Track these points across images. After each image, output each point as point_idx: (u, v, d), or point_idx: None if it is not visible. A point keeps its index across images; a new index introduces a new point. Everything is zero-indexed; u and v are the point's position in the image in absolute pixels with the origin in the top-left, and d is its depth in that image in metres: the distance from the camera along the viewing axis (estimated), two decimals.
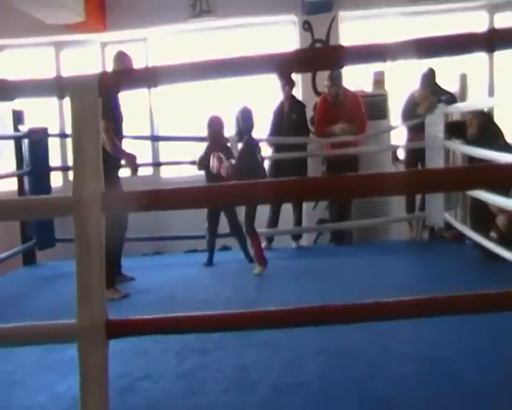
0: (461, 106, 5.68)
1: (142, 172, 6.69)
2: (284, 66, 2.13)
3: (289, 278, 4.85)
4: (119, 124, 4.47)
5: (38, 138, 5.80)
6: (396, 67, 6.51)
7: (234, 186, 2.61)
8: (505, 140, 5.08)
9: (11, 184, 6.08)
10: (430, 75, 5.96)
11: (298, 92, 6.64)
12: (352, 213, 6.27)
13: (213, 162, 5.08)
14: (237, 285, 4.68)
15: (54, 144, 6.33)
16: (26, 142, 5.78)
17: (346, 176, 2.15)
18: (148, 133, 7.17)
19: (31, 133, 5.75)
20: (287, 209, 6.06)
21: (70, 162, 2.07)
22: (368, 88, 6.61)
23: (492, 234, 4.65)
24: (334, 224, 6.25)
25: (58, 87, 2.15)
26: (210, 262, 5.43)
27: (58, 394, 2.77)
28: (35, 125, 5.93)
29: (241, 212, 5.29)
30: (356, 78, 6.54)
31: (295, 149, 6.04)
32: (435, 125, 5.63)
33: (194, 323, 2.15)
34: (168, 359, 3.13)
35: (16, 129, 5.84)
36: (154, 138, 7.18)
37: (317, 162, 6.43)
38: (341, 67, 5.33)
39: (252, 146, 5.04)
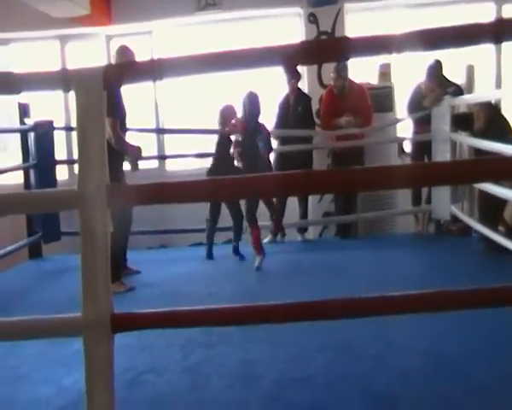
0: (468, 98, 5.64)
1: (147, 165, 6.76)
2: (290, 58, 2.12)
3: (295, 271, 4.85)
4: (122, 118, 4.46)
5: (44, 132, 5.80)
6: (402, 59, 6.47)
7: (239, 179, 2.60)
8: None
9: (17, 178, 6.09)
10: (437, 67, 5.91)
11: (303, 85, 6.61)
12: (357, 206, 6.25)
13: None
14: (242, 279, 4.68)
15: (59, 138, 6.33)
16: (31, 135, 5.78)
17: (351, 169, 2.14)
18: (153, 126, 7.16)
19: (37, 126, 5.75)
20: (292, 202, 6.05)
21: (75, 156, 2.05)
22: (374, 80, 6.58)
23: (500, 228, 4.62)
24: (340, 217, 6.24)
25: (63, 80, 2.14)
26: (210, 255, 5.42)
27: (63, 387, 2.78)
28: (41, 118, 5.92)
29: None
30: (362, 70, 6.51)
31: (301, 142, 6.03)
32: (442, 118, 5.60)
33: (199, 317, 2.15)
34: (173, 353, 3.13)
35: (22, 122, 5.84)
36: (160, 131, 7.18)
37: (322, 155, 6.41)
38: (347, 59, 5.30)
39: (252, 132, 5.02)
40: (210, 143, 5.48)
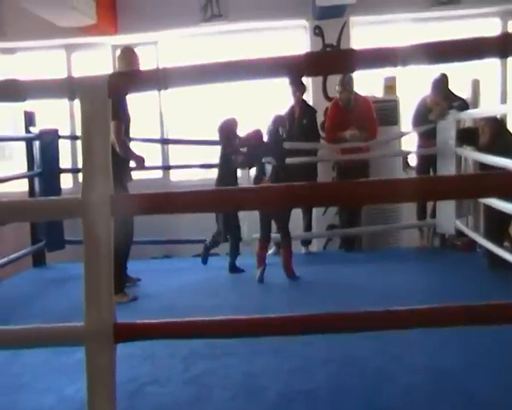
0: (473, 112, 5.63)
1: (151, 175, 6.76)
2: (295, 69, 2.12)
3: (298, 284, 4.82)
4: (126, 125, 4.47)
5: (49, 140, 5.82)
6: (407, 73, 6.48)
7: (243, 190, 2.59)
8: None
9: (22, 186, 6.10)
10: (442, 81, 5.91)
11: (308, 97, 6.62)
12: (361, 220, 6.23)
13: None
14: (246, 291, 4.66)
15: (64, 146, 6.34)
16: (37, 143, 5.80)
17: (356, 182, 2.13)
18: (157, 136, 7.17)
19: (42, 135, 5.77)
20: (296, 215, 6.03)
21: (80, 164, 2.05)
22: (379, 93, 6.57)
23: (506, 243, 4.60)
24: (344, 230, 6.22)
25: (68, 88, 2.15)
26: (205, 261, 5.45)
27: (65, 397, 2.76)
28: (46, 126, 5.94)
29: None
30: (367, 83, 6.51)
31: (305, 154, 6.02)
32: (447, 132, 5.60)
33: (202, 328, 2.14)
34: (176, 363, 3.11)
35: (27, 130, 5.86)
36: (164, 141, 7.19)
37: (327, 168, 6.40)
38: (352, 72, 5.31)
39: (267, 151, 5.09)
40: (214, 154, 5.48)
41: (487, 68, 6.48)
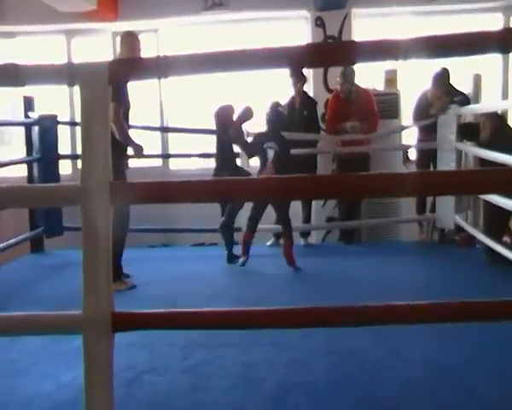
0: (474, 108, 5.62)
1: (151, 163, 6.74)
2: (296, 60, 2.10)
3: (297, 275, 4.83)
4: (126, 113, 4.43)
5: (48, 126, 5.80)
6: (408, 66, 6.46)
7: (242, 181, 2.58)
8: None
9: (21, 171, 6.08)
10: (444, 75, 5.89)
11: (309, 89, 6.59)
12: (361, 212, 6.23)
13: None
14: (245, 281, 4.66)
15: (63, 132, 6.32)
16: (36, 129, 5.78)
17: (356, 175, 2.11)
18: (157, 124, 7.14)
19: (41, 120, 5.74)
20: (296, 207, 6.02)
21: (79, 151, 2.03)
22: (380, 86, 6.55)
23: (506, 238, 4.60)
24: (344, 222, 6.21)
25: (68, 74, 2.12)
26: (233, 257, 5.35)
27: (63, 383, 2.76)
28: (45, 112, 5.91)
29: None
30: (368, 76, 6.49)
31: (306, 146, 6.00)
32: (448, 126, 5.58)
33: (201, 319, 2.13)
34: (174, 352, 3.11)
35: (26, 116, 5.84)
36: (164, 130, 7.16)
37: (327, 160, 6.38)
38: (353, 63, 5.28)
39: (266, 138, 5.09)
40: (214, 144, 5.46)
41: (489, 64, 6.45)
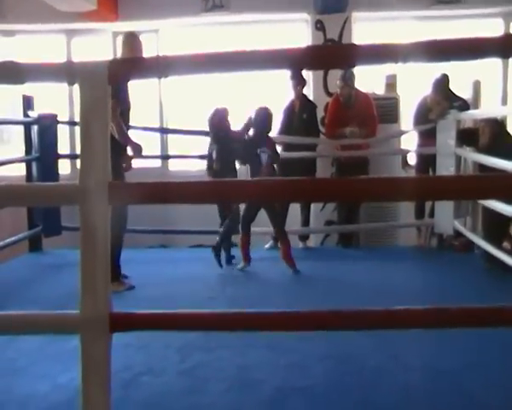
0: (473, 113, 5.62)
1: (150, 164, 6.73)
2: (296, 62, 2.10)
3: (295, 278, 4.82)
4: (126, 113, 4.43)
5: (48, 125, 5.78)
6: (408, 71, 6.46)
7: (241, 183, 2.57)
8: None
9: (19, 170, 6.06)
10: (443, 80, 5.90)
11: (309, 92, 6.59)
12: (360, 216, 6.23)
13: None
14: (243, 284, 4.65)
15: (63, 131, 6.31)
16: (35, 128, 5.77)
17: (355, 179, 2.11)
18: (157, 125, 7.14)
19: (40, 119, 5.73)
20: (294, 210, 6.02)
21: (78, 150, 2.02)
22: (379, 91, 6.56)
23: (505, 244, 4.59)
24: (342, 226, 6.21)
25: (68, 73, 2.12)
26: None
27: (60, 384, 2.75)
28: (45, 111, 5.90)
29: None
30: (368, 80, 6.49)
31: (305, 149, 6.00)
32: (447, 132, 5.58)
33: (198, 321, 2.12)
34: (171, 354, 3.10)
35: (26, 115, 5.82)
36: (163, 131, 7.15)
37: (326, 163, 6.38)
38: (353, 67, 5.28)
39: (256, 142, 5.06)
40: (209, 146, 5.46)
41: (488, 69, 6.46)
